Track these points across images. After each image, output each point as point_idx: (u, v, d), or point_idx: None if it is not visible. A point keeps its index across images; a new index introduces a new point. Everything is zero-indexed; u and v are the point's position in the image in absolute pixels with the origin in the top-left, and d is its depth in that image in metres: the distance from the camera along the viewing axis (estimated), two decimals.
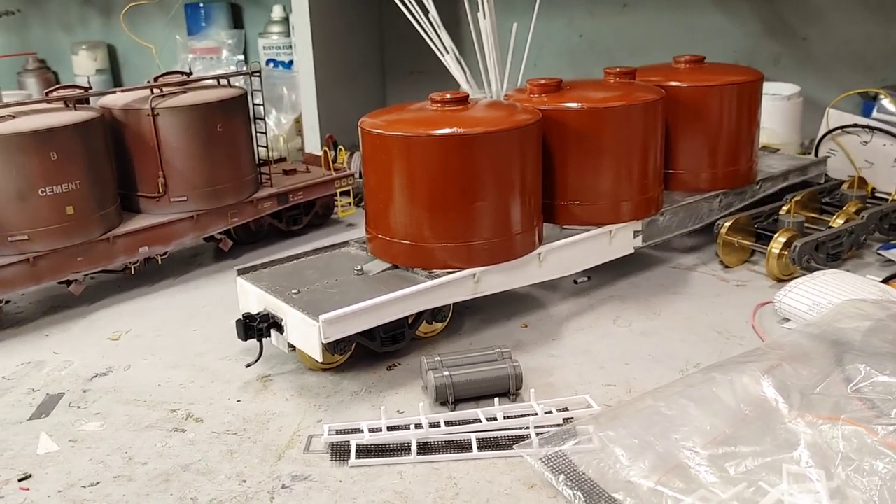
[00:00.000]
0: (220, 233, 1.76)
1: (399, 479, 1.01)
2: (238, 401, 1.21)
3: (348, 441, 1.06)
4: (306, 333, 1.18)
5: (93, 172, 1.53)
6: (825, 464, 0.90)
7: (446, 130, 1.25)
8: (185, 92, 1.68)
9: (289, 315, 1.21)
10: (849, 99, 2.00)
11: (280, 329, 1.23)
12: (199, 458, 1.07)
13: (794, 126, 2.06)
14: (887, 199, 1.73)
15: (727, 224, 1.59)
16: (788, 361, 1.07)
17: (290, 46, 2.81)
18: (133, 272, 1.64)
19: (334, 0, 2.48)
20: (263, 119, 1.84)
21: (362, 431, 1.07)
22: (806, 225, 1.62)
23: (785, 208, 1.66)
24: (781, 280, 1.51)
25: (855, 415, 0.96)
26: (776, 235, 1.53)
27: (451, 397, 1.14)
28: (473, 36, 1.87)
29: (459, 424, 1.08)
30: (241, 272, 1.35)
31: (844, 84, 2.06)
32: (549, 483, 0.96)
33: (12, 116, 1.47)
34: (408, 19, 1.93)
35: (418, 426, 1.08)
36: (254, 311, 1.27)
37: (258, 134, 1.84)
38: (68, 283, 1.55)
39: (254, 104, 1.82)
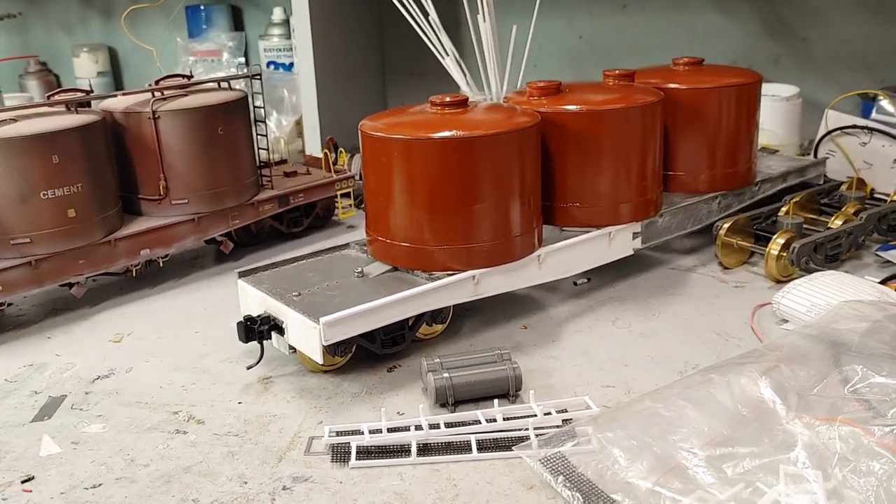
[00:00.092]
0: (221, 235, 1.77)
1: (399, 481, 1.02)
2: (239, 403, 1.22)
3: (349, 442, 1.07)
4: (307, 335, 1.19)
5: (94, 175, 1.54)
6: (822, 464, 0.91)
7: (446, 133, 1.25)
8: (185, 95, 1.69)
9: (289, 317, 1.22)
10: (848, 100, 2.01)
11: (281, 331, 1.24)
12: (201, 460, 1.08)
13: (793, 127, 2.06)
14: (886, 201, 1.74)
15: (726, 225, 1.59)
16: (786, 363, 1.07)
17: (291, 48, 2.81)
18: (134, 274, 1.65)
19: (335, 2, 2.48)
20: (264, 121, 1.85)
21: (363, 433, 1.08)
22: (805, 226, 1.62)
23: (784, 209, 1.67)
24: (780, 281, 1.52)
25: (852, 416, 0.97)
26: (775, 237, 1.54)
27: (451, 399, 1.15)
28: (473, 38, 1.88)
29: (459, 426, 1.09)
30: (242, 274, 1.35)
31: (844, 85, 2.07)
32: (548, 484, 0.97)
33: (14, 120, 1.48)
34: (408, 21, 1.93)
35: (418, 427, 1.08)
36: (255, 314, 1.28)
37: (259, 136, 1.84)
38: (70, 285, 1.55)
39: (254, 107, 1.82)
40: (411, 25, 1.94)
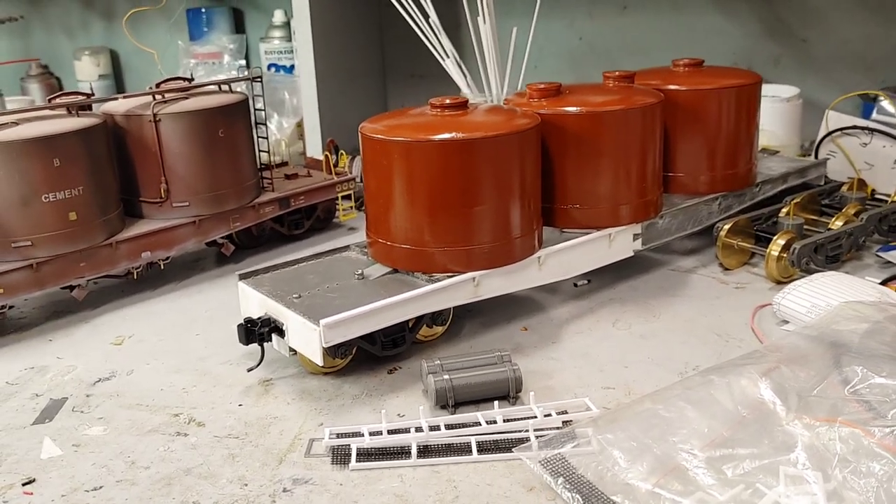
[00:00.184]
0: (222, 237, 1.77)
1: (399, 483, 1.02)
2: (240, 405, 1.22)
3: (349, 444, 1.07)
4: (307, 338, 1.19)
5: (95, 178, 1.54)
6: (822, 466, 0.91)
7: (446, 135, 1.26)
8: (186, 98, 1.69)
9: (290, 319, 1.22)
10: (848, 100, 2.01)
11: (281, 333, 1.24)
12: (201, 462, 1.08)
13: (793, 128, 2.06)
14: (887, 201, 1.74)
15: (726, 226, 1.59)
16: (786, 364, 1.07)
17: (292, 51, 2.82)
18: (136, 277, 1.65)
19: (335, 4, 2.49)
20: (265, 124, 1.85)
21: (363, 435, 1.08)
22: (805, 227, 1.62)
23: (784, 210, 1.67)
24: (781, 282, 1.52)
25: (852, 417, 0.97)
26: (775, 237, 1.54)
27: (452, 400, 1.15)
28: (473, 40, 1.88)
29: (459, 427, 1.09)
30: (243, 277, 1.36)
31: (844, 85, 2.07)
32: (548, 486, 0.97)
33: (16, 123, 1.48)
34: (408, 23, 1.94)
35: (418, 429, 1.09)
36: (255, 316, 1.28)
37: (260, 139, 1.85)
38: (71, 288, 1.56)
39: (255, 109, 1.83)
40: (411, 27, 1.94)
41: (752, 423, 0.99)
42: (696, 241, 1.75)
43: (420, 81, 2.72)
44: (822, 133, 1.97)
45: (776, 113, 2.02)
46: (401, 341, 1.30)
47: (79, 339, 1.49)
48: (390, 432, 1.09)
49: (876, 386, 1.01)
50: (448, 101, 1.32)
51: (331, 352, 1.21)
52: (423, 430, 1.08)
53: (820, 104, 2.03)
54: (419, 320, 1.32)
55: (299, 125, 2.58)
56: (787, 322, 1.37)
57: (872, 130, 1.90)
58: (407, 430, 1.09)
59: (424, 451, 1.06)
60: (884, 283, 1.43)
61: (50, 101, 1.59)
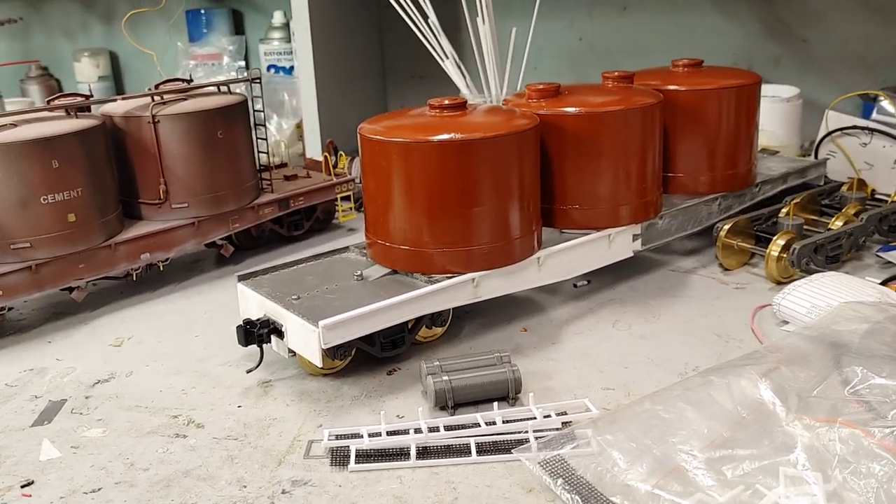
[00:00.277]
0: (222, 239, 1.77)
1: (398, 484, 1.01)
2: (239, 406, 1.22)
3: (348, 446, 1.07)
4: (306, 339, 1.19)
5: (94, 180, 1.54)
6: (822, 466, 0.91)
7: (444, 136, 1.25)
8: (185, 99, 1.69)
9: (289, 321, 1.22)
10: (848, 101, 2.01)
11: (280, 335, 1.24)
12: (200, 464, 1.08)
13: (793, 128, 2.06)
14: (887, 201, 1.74)
15: (726, 227, 1.59)
16: (786, 364, 1.07)
17: (291, 52, 2.82)
18: (135, 278, 1.65)
19: (334, 5, 2.49)
20: (264, 125, 1.85)
21: (362, 436, 1.08)
22: (805, 227, 1.62)
23: (784, 211, 1.67)
24: (781, 282, 1.52)
25: (852, 417, 0.96)
26: (775, 238, 1.53)
27: (451, 402, 1.15)
28: (473, 41, 1.88)
29: (458, 429, 1.09)
30: (242, 278, 1.35)
31: (844, 85, 2.07)
32: (547, 487, 0.97)
33: (14, 125, 1.48)
34: (407, 23, 1.94)
35: (418, 431, 1.08)
36: (254, 317, 1.28)
37: (259, 140, 1.84)
38: (70, 289, 1.56)
39: (254, 110, 1.83)
40: (411, 28, 1.94)
41: (752, 424, 0.99)
42: (696, 241, 1.75)
43: (420, 82, 2.72)
44: (821, 133, 1.97)
45: (776, 113, 2.02)
46: (400, 342, 1.30)
47: (78, 341, 1.49)
48: (389, 434, 1.09)
49: (876, 386, 1.01)
50: (447, 102, 1.32)
51: (330, 353, 1.21)
52: (422, 432, 1.08)
53: (820, 104, 2.03)
54: (418, 321, 1.32)
55: (299, 126, 2.58)
56: (787, 322, 1.36)
57: (872, 130, 1.90)
58: (406, 432, 1.09)
59: (423, 452, 1.06)
60: (884, 283, 1.43)
61: (49, 102, 1.59)
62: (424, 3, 1.91)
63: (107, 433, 1.17)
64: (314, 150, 2.46)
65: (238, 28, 3.20)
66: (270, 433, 1.14)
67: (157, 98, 1.67)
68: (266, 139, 1.86)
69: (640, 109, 1.43)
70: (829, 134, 1.96)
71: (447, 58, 1.95)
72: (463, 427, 1.09)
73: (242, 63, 3.03)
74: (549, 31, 2.48)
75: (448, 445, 1.07)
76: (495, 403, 1.13)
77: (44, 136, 1.46)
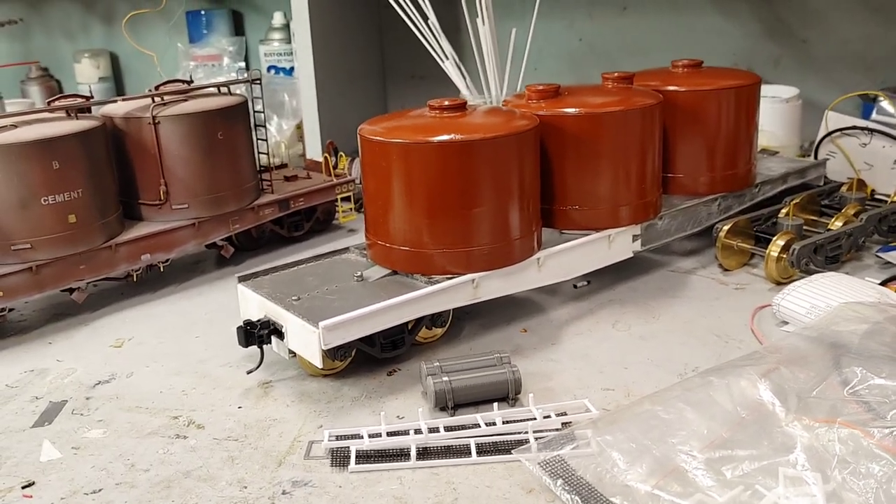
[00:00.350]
0: (222, 239, 1.77)
1: (399, 485, 1.02)
2: (239, 407, 1.22)
3: (348, 447, 1.07)
4: (306, 340, 1.19)
5: (95, 181, 1.54)
6: (821, 467, 0.91)
7: (444, 137, 1.26)
8: (185, 100, 1.69)
9: (289, 322, 1.22)
10: (848, 101, 2.01)
11: (280, 335, 1.24)
12: (201, 465, 1.08)
13: (793, 129, 2.06)
14: (886, 202, 1.74)
15: (726, 227, 1.59)
16: (786, 365, 1.07)
17: (291, 53, 2.82)
18: (135, 279, 1.65)
19: (334, 6, 2.49)
20: (264, 126, 1.85)
21: (362, 437, 1.08)
22: (805, 228, 1.62)
23: (784, 211, 1.67)
24: (780, 283, 1.52)
25: (851, 418, 0.96)
26: (775, 238, 1.53)
27: (451, 402, 1.15)
28: (473, 41, 1.88)
29: (458, 429, 1.09)
30: (242, 279, 1.36)
31: (844, 85, 2.07)
32: (547, 487, 0.97)
33: (14, 126, 1.48)
34: (407, 24, 1.94)
35: (418, 431, 1.08)
36: (255, 318, 1.28)
37: (259, 141, 1.85)
38: (71, 290, 1.56)
39: (255, 111, 1.83)
40: (411, 29, 1.94)
41: (752, 425, 0.99)
42: (696, 241, 1.75)
43: (420, 83, 2.72)
44: (821, 133, 1.97)
45: (776, 113, 2.02)
46: (400, 343, 1.30)
47: (78, 342, 1.49)
48: (389, 434, 1.09)
49: (875, 387, 1.01)
50: (447, 103, 1.32)
51: (330, 354, 1.21)
52: (422, 432, 1.08)
53: (819, 104, 2.03)
54: (418, 322, 1.32)
55: (299, 127, 2.58)
56: (786, 323, 1.37)
57: (872, 131, 1.90)
58: (406, 433, 1.09)
59: (424, 453, 1.06)
60: (883, 283, 1.43)
61: (49, 103, 1.59)
62: (424, 3, 1.91)
63: (107, 434, 1.17)
64: (314, 151, 2.46)
65: (238, 29, 3.20)
66: (271, 434, 1.14)
67: (157, 99, 1.67)
68: (266, 140, 1.87)
69: (639, 110, 1.43)
70: (828, 134, 1.96)
71: (447, 58, 1.95)
72: (463, 428, 1.09)
73: (242, 64, 3.03)
74: (549, 32, 2.48)
75: (448, 446, 1.07)
76: (495, 404, 1.13)
77: (44, 137, 1.46)
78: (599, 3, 2.45)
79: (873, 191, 1.87)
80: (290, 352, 1.25)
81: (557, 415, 1.11)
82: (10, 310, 1.54)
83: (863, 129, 1.91)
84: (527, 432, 1.07)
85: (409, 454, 1.06)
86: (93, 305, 1.63)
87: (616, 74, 1.57)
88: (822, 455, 0.92)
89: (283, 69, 2.88)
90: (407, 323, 1.29)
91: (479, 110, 1.38)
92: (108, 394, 1.29)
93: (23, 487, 1.05)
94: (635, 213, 1.48)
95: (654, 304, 1.49)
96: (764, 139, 1.96)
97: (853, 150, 1.93)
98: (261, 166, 1.87)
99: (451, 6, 2.17)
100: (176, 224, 1.67)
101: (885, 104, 1.92)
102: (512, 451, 1.04)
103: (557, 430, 1.07)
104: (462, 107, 1.33)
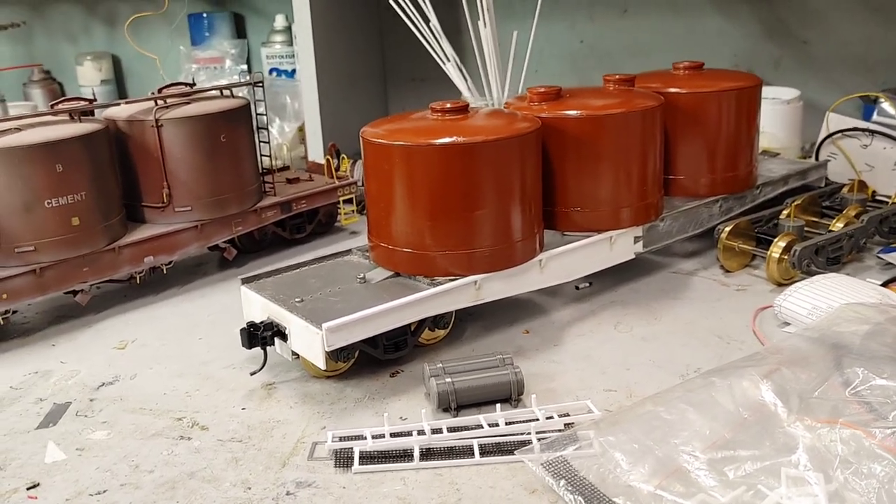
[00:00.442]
0: (225, 242, 1.78)
1: (402, 485, 1.02)
2: (243, 408, 1.22)
3: (352, 448, 1.08)
4: (310, 341, 1.19)
5: (98, 183, 1.55)
6: (823, 467, 0.91)
7: (447, 139, 1.26)
8: (188, 103, 1.70)
9: (292, 323, 1.22)
10: (849, 102, 2.01)
11: (284, 337, 1.25)
12: (205, 466, 1.08)
13: (794, 130, 2.07)
14: (887, 203, 1.74)
15: (727, 229, 1.60)
16: (787, 365, 1.08)
17: (293, 55, 2.83)
18: (138, 282, 1.66)
19: (336, 8, 2.50)
20: (266, 128, 1.86)
21: (365, 438, 1.09)
22: (806, 229, 1.63)
23: (785, 212, 1.67)
24: (782, 284, 1.52)
25: (853, 418, 0.97)
26: (776, 240, 1.54)
27: (454, 403, 1.15)
28: (474, 43, 1.88)
29: (462, 430, 1.09)
30: (245, 281, 1.36)
31: (845, 86, 2.07)
32: (550, 488, 0.97)
33: (18, 129, 1.49)
34: (408, 26, 1.94)
35: (421, 432, 1.09)
36: (258, 320, 1.28)
37: (261, 143, 1.85)
38: (74, 293, 1.56)
39: (257, 114, 1.83)
40: (412, 31, 1.95)
41: (754, 425, 0.99)
42: (697, 243, 1.75)
43: (421, 85, 2.72)
44: (822, 135, 1.97)
45: (777, 115, 2.02)
46: (403, 345, 1.31)
47: (82, 344, 1.49)
48: (393, 435, 1.09)
49: (877, 387, 1.01)
50: (449, 106, 1.33)
51: (333, 355, 1.22)
52: (425, 433, 1.08)
53: (820, 106, 2.04)
54: (421, 324, 1.32)
55: (301, 129, 2.59)
56: (788, 324, 1.37)
57: (873, 132, 1.90)
58: (409, 433, 1.09)
59: (427, 453, 1.07)
60: (884, 284, 1.43)
61: (52, 106, 1.59)
62: (425, 5, 1.91)
63: (111, 435, 1.17)
64: (316, 153, 2.47)
65: (240, 32, 3.21)
66: (274, 435, 1.15)
67: (160, 102, 1.67)
68: (268, 142, 1.87)
69: (640, 112, 1.44)
70: (829, 136, 1.96)
71: (448, 61, 1.95)
72: (466, 429, 1.10)
73: (244, 66, 3.04)
74: (550, 34, 2.49)
75: (451, 447, 1.08)
76: (498, 405, 1.13)
77: (48, 140, 1.47)
78: (600, 5, 2.46)
79: (874, 192, 1.87)
80: (294, 353, 1.25)
81: (560, 416, 1.12)
82: (14, 312, 1.54)
83: (864, 130, 1.91)
84: (530, 433, 1.07)
85: (413, 455, 1.06)
86: (96, 307, 1.64)
87: (617, 76, 1.57)
88: (824, 455, 0.92)
89: (285, 72, 2.88)
90: (410, 324, 1.29)
91: (480, 113, 1.39)
92: (112, 395, 1.29)
93: (27, 489, 1.06)
94: (637, 215, 1.49)
95: (656, 306, 1.49)
96: (765, 141, 1.97)
97: (854, 151, 1.93)
98: (263, 169, 1.87)
99: (453, 8, 2.18)
100: (179, 226, 1.68)
101: (885, 105, 1.92)
102: (515, 452, 1.04)
103: (560, 430, 1.08)
104: (464, 109, 1.34)
